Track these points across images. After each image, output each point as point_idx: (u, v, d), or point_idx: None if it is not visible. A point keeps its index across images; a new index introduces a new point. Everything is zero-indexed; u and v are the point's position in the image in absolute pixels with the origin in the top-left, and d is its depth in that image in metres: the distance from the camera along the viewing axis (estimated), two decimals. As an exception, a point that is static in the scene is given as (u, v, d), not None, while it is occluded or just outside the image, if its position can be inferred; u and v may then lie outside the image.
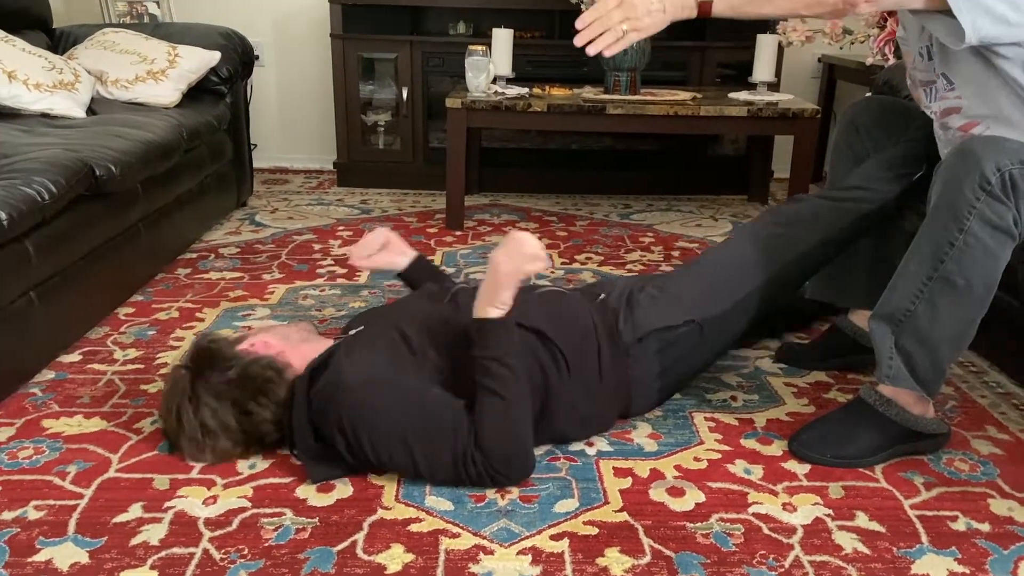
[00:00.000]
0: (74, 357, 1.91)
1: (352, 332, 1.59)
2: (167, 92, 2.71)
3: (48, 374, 1.82)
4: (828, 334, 1.93)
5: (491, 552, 1.28)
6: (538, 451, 1.53)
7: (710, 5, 1.44)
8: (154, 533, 1.31)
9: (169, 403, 1.47)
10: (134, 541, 1.29)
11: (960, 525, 1.37)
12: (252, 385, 1.45)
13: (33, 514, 1.34)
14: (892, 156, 1.76)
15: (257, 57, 3.22)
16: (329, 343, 1.58)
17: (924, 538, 1.34)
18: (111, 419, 1.64)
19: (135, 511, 1.36)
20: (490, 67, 2.91)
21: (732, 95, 3.04)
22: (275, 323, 1.58)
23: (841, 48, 3.18)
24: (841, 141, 1.89)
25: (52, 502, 1.38)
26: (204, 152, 2.73)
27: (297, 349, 1.53)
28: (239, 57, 3.00)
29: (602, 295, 1.70)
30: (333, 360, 1.46)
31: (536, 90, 3.04)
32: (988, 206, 1.37)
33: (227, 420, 1.44)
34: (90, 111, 2.53)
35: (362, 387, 1.40)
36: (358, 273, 2.50)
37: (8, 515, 1.34)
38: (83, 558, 1.25)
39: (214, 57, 2.85)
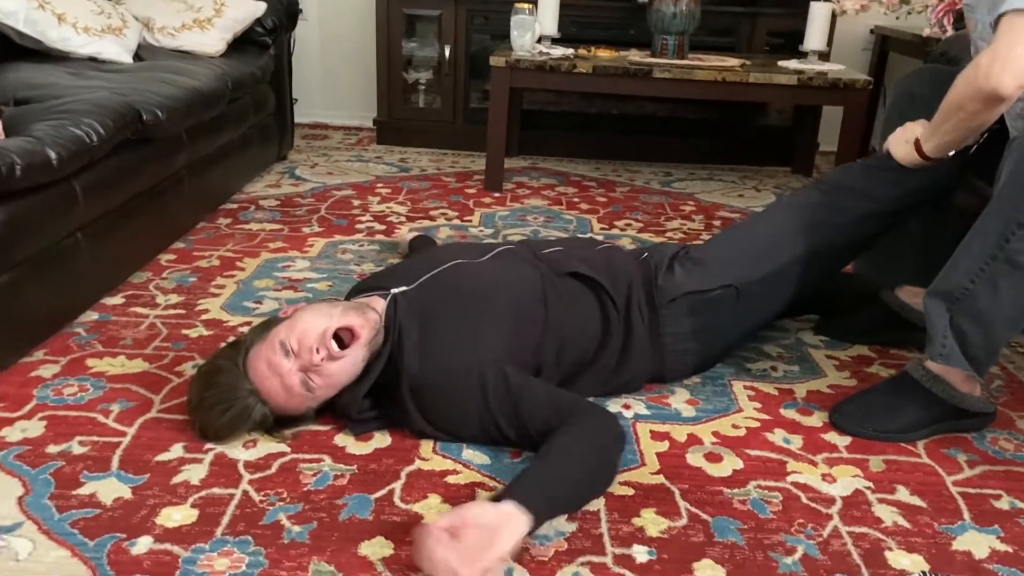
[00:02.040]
0: (117, 300, 1.93)
1: (396, 291, 1.50)
2: (213, 41, 2.71)
3: (92, 315, 1.85)
4: (873, 308, 1.89)
5: (527, 507, 1.28)
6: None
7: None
8: (195, 473, 1.32)
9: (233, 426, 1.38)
10: (175, 480, 1.30)
11: (1004, 504, 1.35)
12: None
13: (78, 449, 1.37)
14: None
15: (301, 11, 3.20)
16: (370, 302, 1.48)
17: (966, 515, 1.32)
18: (153, 361, 1.66)
19: (176, 451, 1.38)
20: (536, 26, 2.87)
21: (781, 63, 2.98)
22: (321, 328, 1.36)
23: (897, 18, 3.09)
24: (894, 111, 1.83)
25: (96, 438, 1.40)
26: (247, 103, 2.73)
27: (379, 337, 1.42)
28: (284, 9, 2.99)
29: (645, 254, 1.69)
30: (405, 337, 1.41)
31: (581, 51, 3.00)
32: None
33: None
34: (136, 57, 2.54)
35: (441, 372, 1.37)
36: (397, 229, 2.50)
37: (54, 448, 1.36)
38: (126, 493, 1.27)
39: (259, 7, 2.84)
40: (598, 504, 1.29)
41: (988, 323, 1.42)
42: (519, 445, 1.39)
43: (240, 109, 2.66)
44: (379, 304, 1.47)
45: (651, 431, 1.50)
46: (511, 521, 1.11)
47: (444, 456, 1.39)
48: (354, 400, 1.42)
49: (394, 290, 1.50)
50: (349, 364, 1.37)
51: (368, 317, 1.40)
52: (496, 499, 1.16)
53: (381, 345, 1.42)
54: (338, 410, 1.44)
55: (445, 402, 1.39)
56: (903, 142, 1.65)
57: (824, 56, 3.09)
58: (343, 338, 1.37)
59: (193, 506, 1.25)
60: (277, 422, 1.41)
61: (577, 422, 1.30)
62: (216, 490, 1.29)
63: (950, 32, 2.77)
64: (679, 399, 1.62)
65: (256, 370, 1.35)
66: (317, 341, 1.33)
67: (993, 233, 1.39)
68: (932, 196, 1.70)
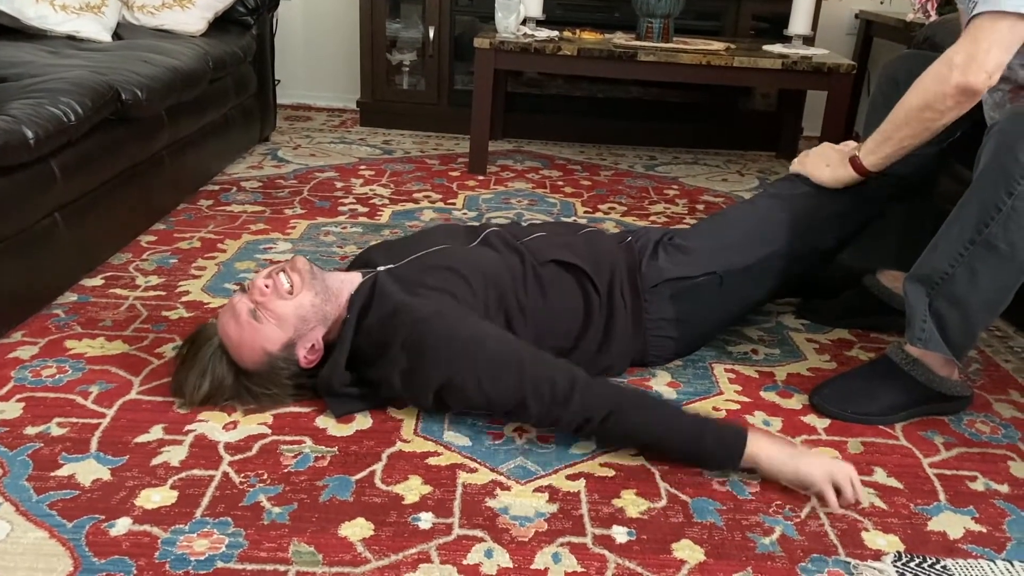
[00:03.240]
0: (97, 281, 1.91)
1: (382, 268, 1.53)
2: (194, 20, 2.68)
3: (71, 296, 1.83)
4: (853, 292, 1.90)
5: (508, 488, 1.28)
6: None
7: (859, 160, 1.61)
8: (175, 454, 1.32)
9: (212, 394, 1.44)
10: (155, 461, 1.30)
11: (979, 485, 1.36)
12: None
13: (56, 430, 1.36)
14: None
15: (284, -10, 3.17)
16: (349, 275, 1.53)
17: (942, 496, 1.33)
18: (132, 343, 1.65)
19: (156, 432, 1.37)
20: (520, 8, 2.86)
21: (766, 47, 2.98)
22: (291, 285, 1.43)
23: (881, 3, 3.10)
24: (879, 96, 1.83)
25: (75, 420, 1.39)
26: (229, 83, 2.70)
27: (337, 308, 1.46)
28: (266, -12, 2.95)
29: (629, 238, 1.70)
30: (380, 296, 1.43)
31: (566, 33, 2.99)
32: None
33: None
34: (116, 36, 2.51)
35: (429, 320, 1.36)
36: (380, 212, 2.49)
37: (32, 430, 1.35)
38: (105, 475, 1.26)
39: (241, -13, 2.81)
40: (579, 485, 1.30)
41: (966, 307, 1.43)
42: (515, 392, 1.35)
43: (221, 89, 2.63)
44: (357, 277, 1.51)
45: (632, 413, 1.51)
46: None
47: (425, 438, 1.40)
48: (335, 370, 1.41)
49: (380, 268, 1.52)
50: (294, 306, 1.40)
51: (302, 268, 1.44)
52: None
53: (358, 311, 1.43)
54: (320, 385, 1.44)
55: (428, 342, 1.35)
56: (824, 166, 1.66)
57: (809, 40, 3.09)
58: (292, 284, 1.43)
59: (173, 487, 1.24)
60: (245, 378, 1.42)
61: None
62: (196, 471, 1.28)
63: (934, 17, 2.79)
64: (660, 382, 1.62)
65: (219, 317, 1.43)
66: (266, 277, 1.42)
67: (972, 218, 1.40)
68: (916, 184, 1.71)
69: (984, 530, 1.26)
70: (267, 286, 1.40)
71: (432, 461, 1.34)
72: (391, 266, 1.53)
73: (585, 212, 2.61)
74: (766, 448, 1.31)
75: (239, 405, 1.44)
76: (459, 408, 1.43)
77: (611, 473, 1.33)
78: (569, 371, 1.34)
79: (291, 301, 1.41)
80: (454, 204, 2.62)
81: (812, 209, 1.67)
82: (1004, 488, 1.36)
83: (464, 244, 1.62)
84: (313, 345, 1.44)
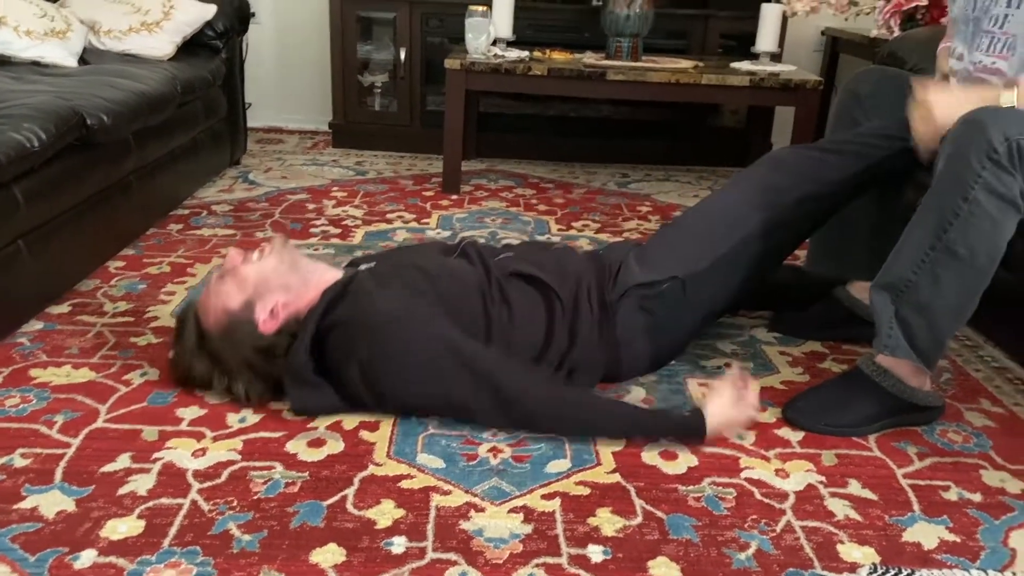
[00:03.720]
0: (63, 308, 1.88)
1: (364, 267, 1.59)
2: (161, 44, 2.66)
3: (36, 324, 1.80)
4: (824, 304, 1.91)
5: (482, 510, 1.27)
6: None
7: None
8: (142, 483, 1.29)
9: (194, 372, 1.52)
10: (121, 491, 1.27)
11: (952, 495, 1.37)
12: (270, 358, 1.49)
13: (19, 461, 1.33)
14: (890, 122, 1.69)
15: (253, 14, 3.16)
16: (331, 268, 1.60)
17: (916, 506, 1.33)
18: (100, 370, 1.62)
19: (123, 461, 1.34)
20: (490, 29, 2.87)
21: (734, 65, 3.01)
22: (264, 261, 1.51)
23: (846, 20, 3.14)
24: (842, 110, 1.86)
25: (39, 450, 1.36)
26: (198, 107, 2.69)
27: (306, 290, 1.51)
28: (235, 12, 2.94)
29: (599, 251, 1.71)
30: (354, 292, 1.48)
31: (536, 54, 3.00)
32: (994, 176, 1.35)
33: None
34: (82, 61, 2.49)
35: (397, 319, 1.42)
36: (352, 232, 2.48)
37: (-6, 462, 1.33)
38: (69, 506, 1.23)
39: (209, 10, 2.80)
40: (554, 505, 1.29)
41: (932, 314, 1.44)
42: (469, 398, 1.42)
43: (190, 113, 2.62)
44: (336, 273, 1.58)
45: (607, 431, 1.50)
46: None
47: (398, 461, 1.38)
48: (298, 350, 1.43)
49: (362, 266, 1.60)
50: (256, 268, 1.48)
51: (276, 240, 1.54)
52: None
53: (327, 300, 1.47)
54: (288, 370, 1.45)
55: (394, 344, 1.41)
56: (959, 108, 1.44)
57: (776, 57, 3.13)
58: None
59: (140, 517, 1.22)
60: (211, 343, 1.47)
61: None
62: (164, 500, 1.26)
63: (897, 33, 2.83)
64: (635, 397, 1.62)
65: None
66: (240, 251, 1.53)
67: (931, 224, 1.42)
68: (882, 176, 1.71)
69: (958, 539, 1.26)
70: (238, 255, 1.50)
71: (405, 484, 1.32)
72: (371, 265, 1.61)
73: (559, 229, 2.61)
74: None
75: (210, 383, 1.50)
76: (412, 409, 1.49)
77: (586, 491, 1.32)
78: (523, 379, 1.43)
79: (255, 265, 1.49)
80: (428, 223, 2.62)
81: (767, 200, 1.67)
82: (977, 497, 1.36)
83: (444, 252, 1.69)
84: (273, 309, 1.47)
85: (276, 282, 1.49)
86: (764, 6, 2.99)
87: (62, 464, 1.33)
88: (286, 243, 1.56)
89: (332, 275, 1.56)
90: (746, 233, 1.64)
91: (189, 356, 1.50)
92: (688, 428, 1.44)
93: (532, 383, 1.44)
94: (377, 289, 1.48)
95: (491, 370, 1.40)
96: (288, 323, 1.48)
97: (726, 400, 1.45)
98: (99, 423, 1.45)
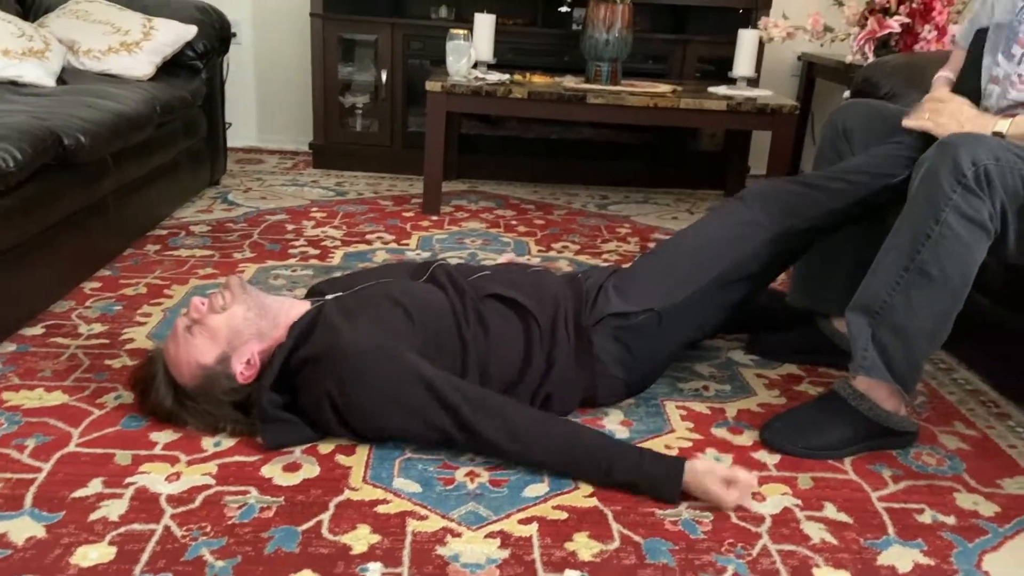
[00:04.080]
0: (37, 330, 1.86)
1: (332, 296, 1.57)
2: (141, 65, 2.66)
3: (9, 346, 1.78)
4: (803, 329, 1.93)
5: (459, 535, 1.26)
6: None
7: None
8: (114, 509, 1.28)
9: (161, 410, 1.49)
10: (93, 516, 1.26)
11: (926, 518, 1.38)
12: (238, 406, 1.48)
13: (-11, 487, 1.31)
14: (875, 155, 1.69)
15: (234, 34, 3.16)
16: (296, 302, 1.58)
17: (891, 530, 1.34)
18: (73, 393, 1.61)
19: (95, 486, 1.33)
20: (471, 52, 2.89)
21: (712, 89, 3.04)
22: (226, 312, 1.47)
23: (821, 45, 3.19)
24: (827, 145, 1.85)
25: (9, 475, 1.34)
26: (178, 127, 2.68)
27: (277, 331, 1.49)
28: (216, 32, 2.94)
29: (578, 274, 1.71)
30: (322, 325, 1.45)
31: (517, 77, 3.02)
32: (964, 199, 1.38)
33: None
34: (60, 80, 2.47)
35: (365, 353, 1.40)
36: (332, 253, 2.47)
37: (-38, 487, 1.30)
38: (39, 532, 1.21)
39: (190, 31, 2.80)
40: (531, 530, 1.28)
41: (907, 336, 1.46)
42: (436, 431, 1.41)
43: (170, 133, 2.61)
44: (304, 305, 1.56)
45: (584, 454, 1.50)
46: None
47: (374, 485, 1.37)
48: (263, 388, 1.42)
49: (328, 296, 1.57)
50: (226, 318, 1.45)
51: (233, 284, 1.50)
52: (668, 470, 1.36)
53: (296, 335, 1.46)
54: (256, 410, 1.43)
55: (362, 375, 1.39)
56: (957, 125, 1.55)
57: (753, 82, 3.18)
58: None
59: (111, 543, 1.20)
60: (186, 395, 1.46)
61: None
62: (136, 526, 1.24)
63: (871, 59, 2.88)
64: (613, 420, 1.62)
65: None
66: (203, 300, 1.48)
67: (904, 246, 1.44)
68: (854, 218, 1.73)
69: (932, 563, 1.27)
70: (203, 304, 1.46)
71: (381, 509, 1.31)
72: (339, 294, 1.57)
73: (539, 251, 2.62)
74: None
75: (188, 424, 1.48)
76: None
77: (564, 516, 1.32)
78: (495, 408, 1.40)
79: (223, 315, 1.45)
80: (408, 244, 2.62)
81: (746, 235, 1.66)
82: (951, 520, 1.37)
83: (412, 279, 1.65)
84: (249, 360, 1.45)
85: (248, 331, 1.46)
86: (741, 31, 3.03)
87: (32, 489, 1.31)
88: (244, 285, 1.51)
89: (298, 309, 1.53)
90: (725, 267, 1.65)
91: (166, 410, 1.48)
92: (664, 466, 1.37)
93: (504, 412, 1.40)
94: (345, 323, 1.44)
95: (459, 402, 1.37)
96: (264, 368, 1.46)
97: (717, 470, 1.36)
98: (71, 447, 1.43)
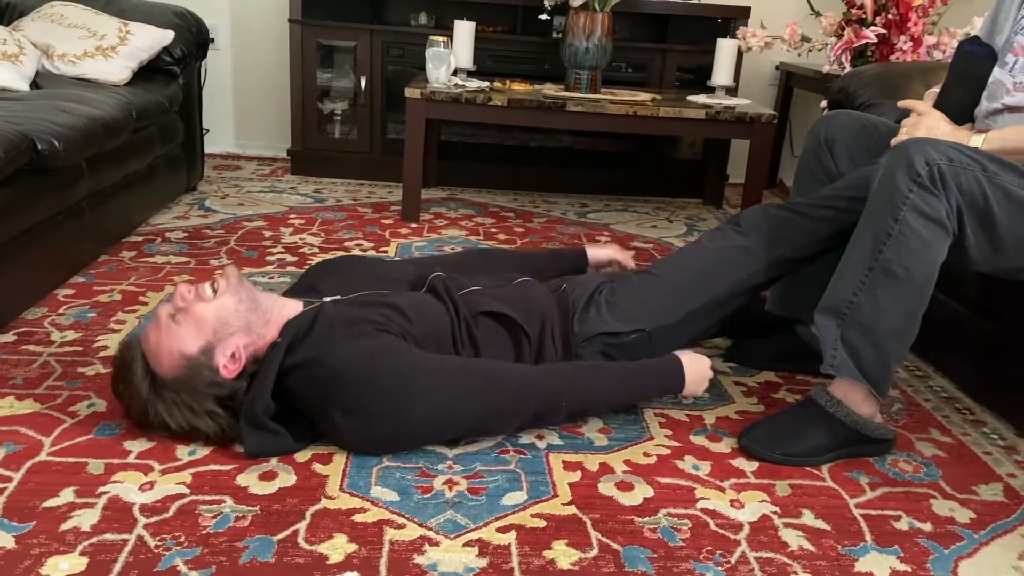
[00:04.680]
0: (8, 337, 1.83)
1: (330, 299, 1.53)
2: (117, 69, 2.63)
3: (-20, 354, 1.75)
4: (782, 336, 1.93)
5: (436, 544, 1.25)
6: (488, 443, 1.52)
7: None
8: (86, 518, 1.25)
9: (142, 409, 1.44)
10: (64, 526, 1.23)
11: (903, 524, 1.38)
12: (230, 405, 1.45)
13: (-43, 497, 1.28)
14: (859, 179, 1.69)
15: (212, 40, 3.15)
16: (288, 301, 1.54)
17: (868, 536, 1.35)
18: (45, 401, 1.58)
19: (67, 496, 1.30)
20: (451, 59, 2.89)
21: (691, 98, 3.06)
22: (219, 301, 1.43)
23: (799, 55, 3.22)
24: (809, 155, 1.86)
25: (-22, 485, 1.32)
26: (154, 133, 2.66)
27: (267, 329, 1.46)
28: (193, 37, 2.92)
29: (563, 286, 1.70)
30: (322, 332, 1.42)
31: (497, 84, 3.03)
32: (920, 197, 1.41)
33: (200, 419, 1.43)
34: (34, 85, 2.45)
35: (381, 356, 1.39)
36: (309, 260, 2.45)
37: (-70, 497, 1.28)
38: (8, 543, 1.19)
39: (167, 36, 2.78)
40: (509, 538, 1.27)
41: (876, 335, 1.48)
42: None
43: (146, 139, 2.59)
44: (299, 305, 1.52)
45: (564, 461, 1.49)
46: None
47: (352, 494, 1.36)
48: (261, 394, 1.39)
49: (327, 298, 1.54)
50: (215, 308, 1.41)
51: (231, 274, 1.46)
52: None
53: (291, 337, 1.42)
54: (245, 411, 1.40)
55: (366, 378, 1.38)
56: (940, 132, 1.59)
57: (732, 91, 3.20)
58: (216, 288, 1.44)
59: (83, 554, 1.18)
60: (165, 387, 1.41)
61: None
62: (108, 536, 1.22)
63: (848, 68, 2.90)
64: (592, 428, 1.62)
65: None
66: (189, 287, 1.43)
67: (867, 246, 1.47)
68: (841, 243, 1.72)
69: (909, 569, 1.27)
70: (189, 292, 1.41)
71: (358, 518, 1.30)
72: (338, 297, 1.54)
73: (517, 259, 2.62)
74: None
75: (165, 426, 1.42)
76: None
77: (542, 524, 1.32)
78: (510, 384, 1.46)
79: (212, 304, 1.41)
80: (386, 252, 2.61)
81: (741, 261, 1.69)
82: (927, 527, 1.38)
83: (411, 285, 1.65)
84: (234, 353, 1.42)
85: (236, 323, 1.42)
86: (720, 41, 3.05)
87: (2, 499, 1.28)
88: (241, 276, 1.48)
89: (291, 309, 1.51)
90: (718, 291, 1.68)
91: (141, 403, 1.41)
92: (668, 368, 1.59)
93: (520, 369, 1.52)
94: (348, 333, 1.41)
95: (482, 369, 1.44)
96: (248, 364, 1.44)
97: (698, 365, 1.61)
98: (42, 456, 1.41)
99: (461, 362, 1.49)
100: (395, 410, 1.38)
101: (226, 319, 1.41)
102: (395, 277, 1.70)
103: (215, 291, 1.43)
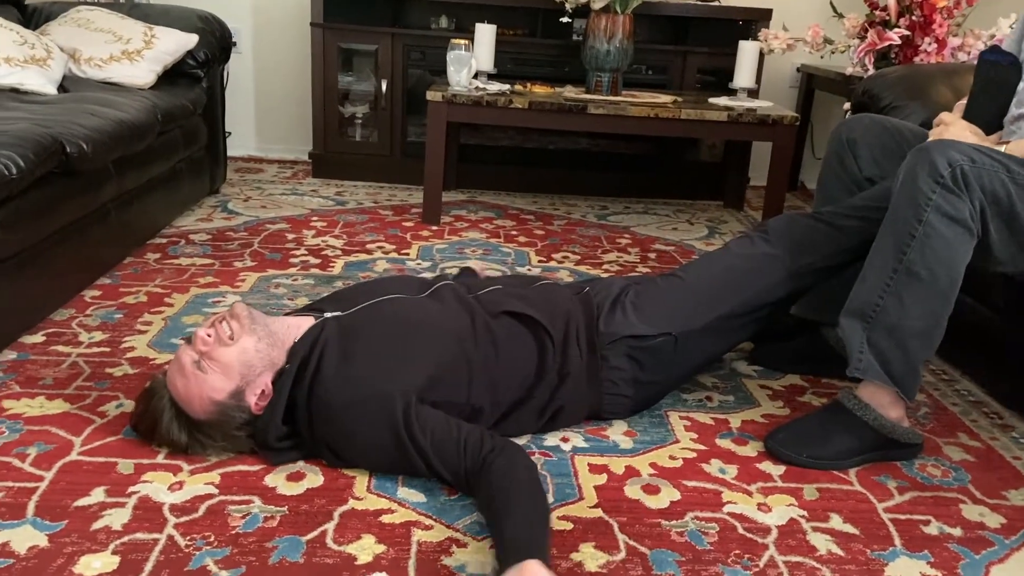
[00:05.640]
0: (37, 338, 1.85)
1: (330, 315, 1.52)
2: (142, 73, 2.66)
3: (10, 354, 1.77)
4: (807, 338, 1.92)
5: (464, 545, 1.25)
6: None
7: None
8: (117, 518, 1.27)
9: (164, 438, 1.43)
10: (96, 525, 1.25)
11: (933, 529, 1.37)
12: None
13: (-10, 495, 1.30)
14: (887, 190, 1.63)
15: (235, 43, 3.17)
16: (296, 320, 1.51)
17: (897, 541, 1.34)
18: (74, 401, 1.60)
19: (97, 495, 1.32)
20: (472, 62, 2.89)
21: (712, 100, 3.05)
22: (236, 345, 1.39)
23: (821, 57, 3.20)
24: (832, 158, 1.85)
25: (11, 484, 1.33)
26: (178, 136, 2.68)
27: (277, 352, 1.43)
28: (217, 41, 2.95)
29: (587, 288, 1.70)
30: (318, 358, 1.40)
31: (518, 87, 3.03)
32: (944, 198, 1.41)
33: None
34: (62, 88, 2.47)
35: (352, 405, 1.36)
36: (332, 263, 2.47)
37: (-36, 496, 1.29)
38: (42, 541, 1.20)
39: (191, 40, 2.80)
40: (536, 540, 1.27)
41: (902, 337, 1.48)
42: (428, 476, 1.38)
43: (170, 142, 2.61)
44: (305, 323, 1.49)
45: (589, 464, 1.49)
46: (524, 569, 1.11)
47: (379, 495, 1.36)
48: (272, 422, 1.39)
49: (328, 314, 1.51)
50: (237, 351, 1.38)
51: (240, 313, 1.42)
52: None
53: (298, 363, 1.41)
54: (258, 438, 1.41)
55: (353, 431, 1.37)
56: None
57: (753, 93, 3.18)
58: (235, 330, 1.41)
59: (114, 553, 1.19)
60: (198, 430, 1.40)
61: (500, 462, 1.31)
62: (139, 535, 1.23)
63: (871, 71, 2.89)
64: (617, 431, 1.61)
65: (167, 373, 1.42)
66: (208, 327, 1.40)
67: (891, 248, 1.47)
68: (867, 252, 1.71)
69: (939, 574, 1.26)
70: (209, 335, 1.38)
71: (386, 519, 1.30)
72: (339, 313, 1.51)
73: (539, 261, 2.62)
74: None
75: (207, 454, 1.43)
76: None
77: (569, 526, 1.31)
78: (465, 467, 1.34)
79: (233, 347, 1.38)
80: (408, 254, 2.61)
81: (769, 269, 1.68)
82: (957, 531, 1.37)
83: (415, 295, 1.60)
84: (263, 391, 1.41)
85: (261, 364, 1.40)
86: (742, 43, 3.04)
87: (34, 498, 1.30)
88: (251, 312, 1.44)
89: (296, 329, 1.47)
90: (743, 299, 1.66)
91: (182, 445, 1.42)
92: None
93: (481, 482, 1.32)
94: (340, 362, 1.39)
95: (433, 463, 1.34)
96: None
97: None
98: (73, 456, 1.42)
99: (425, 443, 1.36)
100: (356, 450, 1.40)
101: (250, 362, 1.39)
102: (399, 286, 1.63)
103: (232, 334, 1.39)
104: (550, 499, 1.38)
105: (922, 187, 1.42)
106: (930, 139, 1.63)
